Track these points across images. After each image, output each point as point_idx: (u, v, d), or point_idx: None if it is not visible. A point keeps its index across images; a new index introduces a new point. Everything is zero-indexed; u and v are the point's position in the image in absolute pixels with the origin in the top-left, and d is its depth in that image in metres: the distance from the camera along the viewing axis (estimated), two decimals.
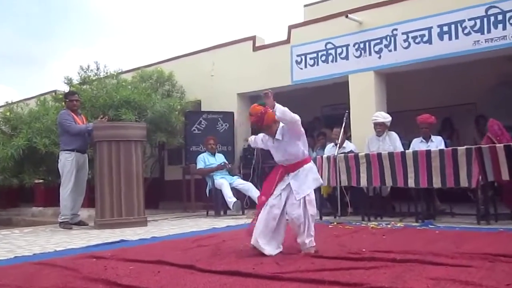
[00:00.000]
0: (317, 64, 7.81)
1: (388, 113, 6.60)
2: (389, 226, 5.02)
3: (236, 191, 7.19)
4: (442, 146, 5.95)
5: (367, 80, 7.32)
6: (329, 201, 6.55)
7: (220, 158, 7.60)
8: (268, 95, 3.23)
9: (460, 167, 4.93)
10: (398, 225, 5.07)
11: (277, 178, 3.34)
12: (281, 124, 3.37)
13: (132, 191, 5.80)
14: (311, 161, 3.44)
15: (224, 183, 7.08)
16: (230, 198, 6.89)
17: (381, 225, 5.11)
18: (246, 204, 7.52)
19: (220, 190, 7.08)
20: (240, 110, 8.82)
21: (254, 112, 3.37)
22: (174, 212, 8.21)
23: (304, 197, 3.25)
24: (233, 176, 7.38)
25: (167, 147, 9.90)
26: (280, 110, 3.18)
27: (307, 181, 3.30)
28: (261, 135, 3.54)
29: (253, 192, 7.02)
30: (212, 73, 9.17)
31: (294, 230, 3.32)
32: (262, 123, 3.35)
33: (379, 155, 5.53)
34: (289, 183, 3.29)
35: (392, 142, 6.28)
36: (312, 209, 3.28)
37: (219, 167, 7.29)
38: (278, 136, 3.37)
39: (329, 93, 8.74)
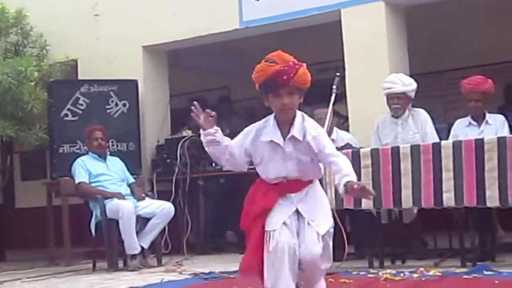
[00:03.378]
0: None
1: (411, 76, 6.70)
2: (415, 276, 5.09)
3: (143, 221, 7.20)
4: (506, 133, 6.08)
5: (373, 19, 7.38)
6: None
7: (115, 165, 7.60)
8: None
9: None
10: (432, 273, 5.16)
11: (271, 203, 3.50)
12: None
13: None
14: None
15: (124, 209, 7.06)
16: (134, 246, 6.95)
17: (402, 274, 5.18)
18: (166, 246, 7.54)
19: (116, 223, 7.07)
20: (149, 76, 8.81)
21: (281, 59, 3.45)
22: (34, 266, 8.11)
23: (324, 236, 3.47)
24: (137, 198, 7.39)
25: (17, 149, 9.76)
26: None
27: (323, 209, 3.56)
28: (241, 136, 3.61)
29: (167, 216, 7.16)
30: (97, 10, 9.09)
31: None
32: (291, 80, 3.39)
33: (395, 150, 5.59)
34: (296, 209, 3.51)
35: (420, 127, 6.39)
36: (327, 262, 3.53)
37: (118, 196, 7.19)
38: (297, 133, 3.47)
39: (308, 44, 8.79)
